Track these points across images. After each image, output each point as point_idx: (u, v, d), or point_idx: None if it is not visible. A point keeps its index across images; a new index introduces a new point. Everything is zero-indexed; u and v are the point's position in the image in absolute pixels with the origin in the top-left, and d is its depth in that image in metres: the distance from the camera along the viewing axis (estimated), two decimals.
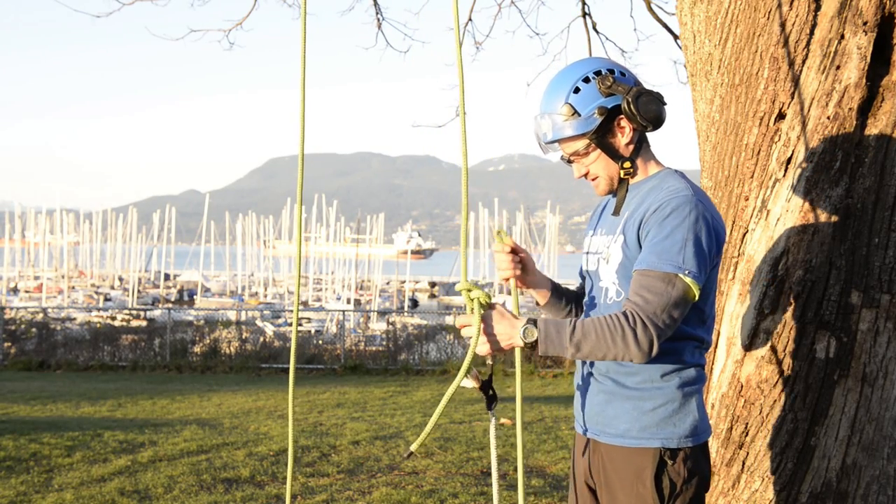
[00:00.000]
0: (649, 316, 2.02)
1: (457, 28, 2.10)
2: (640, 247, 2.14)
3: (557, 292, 2.48)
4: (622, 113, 2.18)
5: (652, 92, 2.18)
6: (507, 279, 2.34)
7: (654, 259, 2.06)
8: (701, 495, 2.19)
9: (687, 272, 2.04)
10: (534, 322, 2.07)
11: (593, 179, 2.26)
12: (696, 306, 2.16)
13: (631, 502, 2.14)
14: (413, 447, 2.17)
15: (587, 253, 2.38)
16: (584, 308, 2.38)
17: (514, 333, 2.08)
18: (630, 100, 2.15)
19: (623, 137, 2.21)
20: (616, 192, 2.28)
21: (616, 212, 2.27)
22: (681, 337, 2.16)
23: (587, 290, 2.37)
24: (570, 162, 2.27)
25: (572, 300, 2.50)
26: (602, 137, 2.20)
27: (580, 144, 2.21)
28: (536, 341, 2.06)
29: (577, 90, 2.18)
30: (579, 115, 2.17)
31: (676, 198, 2.10)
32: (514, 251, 2.35)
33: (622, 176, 2.24)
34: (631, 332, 2.02)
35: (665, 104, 2.21)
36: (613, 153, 2.22)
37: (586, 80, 2.18)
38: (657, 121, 2.18)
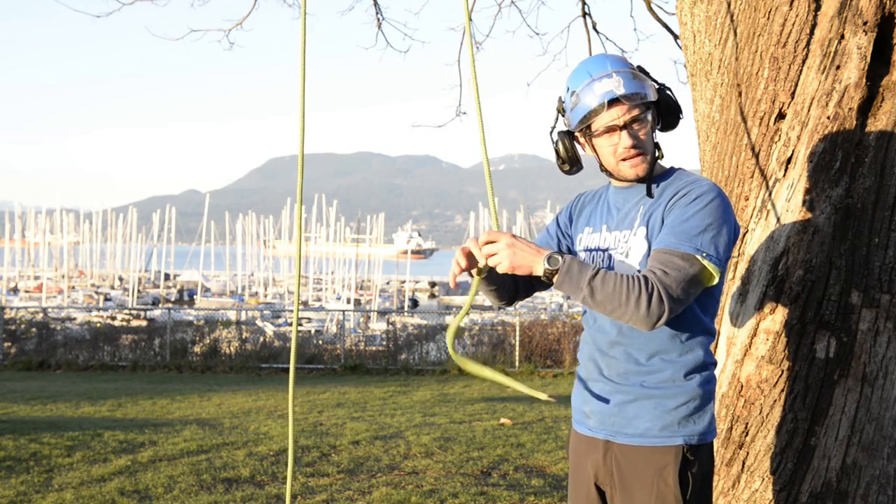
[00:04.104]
0: (667, 288, 2.02)
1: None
2: None
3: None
4: (657, 106, 2.23)
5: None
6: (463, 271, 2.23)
7: (672, 240, 2.08)
8: (711, 490, 2.22)
9: (704, 255, 2.06)
10: (560, 255, 2.08)
11: (638, 155, 2.20)
12: (713, 295, 2.19)
13: (650, 502, 2.14)
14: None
15: (587, 250, 2.33)
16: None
17: (537, 259, 2.07)
18: (670, 94, 2.22)
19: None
20: (644, 180, 2.25)
21: (649, 192, 2.23)
22: (702, 331, 2.19)
23: None
24: (622, 128, 2.17)
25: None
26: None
27: (645, 111, 2.19)
28: (556, 271, 2.05)
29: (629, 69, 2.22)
30: (650, 81, 2.22)
31: (701, 185, 2.15)
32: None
33: (659, 157, 2.26)
34: (646, 298, 2.01)
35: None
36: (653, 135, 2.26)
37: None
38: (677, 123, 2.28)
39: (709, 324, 2.20)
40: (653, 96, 2.19)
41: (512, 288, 2.41)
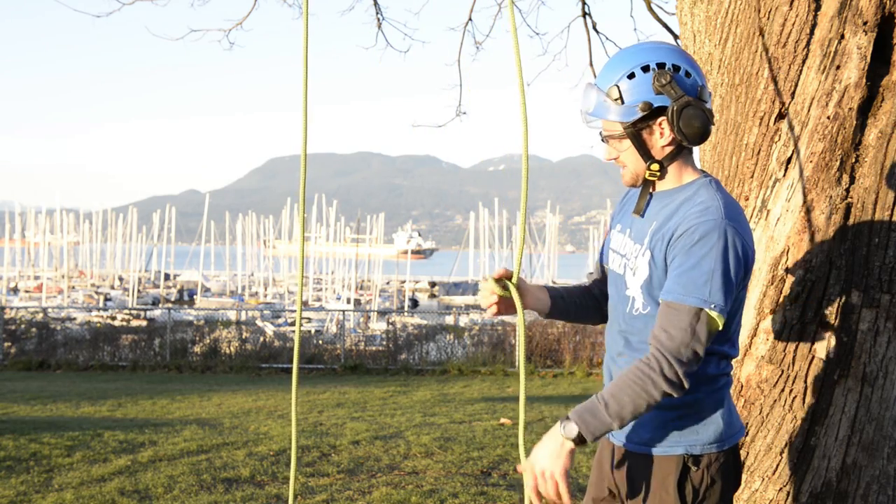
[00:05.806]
0: (672, 353, 2.00)
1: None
2: (666, 267, 2.09)
3: (558, 302, 2.43)
4: (666, 115, 2.10)
5: (701, 106, 2.09)
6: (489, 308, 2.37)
7: (679, 290, 2.03)
8: (728, 497, 2.19)
9: (713, 306, 2.01)
10: (567, 419, 2.04)
11: (621, 167, 2.21)
12: (727, 325, 2.14)
13: None
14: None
15: (613, 250, 2.32)
16: (609, 310, 2.32)
17: (557, 441, 2.05)
18: (675, 108, 2.08)
19: (661, 139, 2.13)
20: (640, 187, 2.24)
21: (638, 212, 2.22)
22: (706, 353, 2.12)
23: (610, 287, 2.32)
24: (604, 140, 2.21)
25: (574, 301, 2.45)
26: (637, 133, 2.13)
27: (616, 129, 2.15)
28: (580, 431, 2.02)
29: (631, 76, 2.10)
30: (623, 102, 2.11)
31: (706, 222, 2.03)
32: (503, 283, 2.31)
33: (647, 177, 2.18)
34: (659, 377, 2.00)
35: (713, 123, 2.13)
36: (645, 151, 2.15)
37: (646, 68, 2.10)
38: (696, 137, 2.10)
39: (714, 347, 2.14)
40: (631, 116, 2.10)
41: (580, 313, 2.48)
